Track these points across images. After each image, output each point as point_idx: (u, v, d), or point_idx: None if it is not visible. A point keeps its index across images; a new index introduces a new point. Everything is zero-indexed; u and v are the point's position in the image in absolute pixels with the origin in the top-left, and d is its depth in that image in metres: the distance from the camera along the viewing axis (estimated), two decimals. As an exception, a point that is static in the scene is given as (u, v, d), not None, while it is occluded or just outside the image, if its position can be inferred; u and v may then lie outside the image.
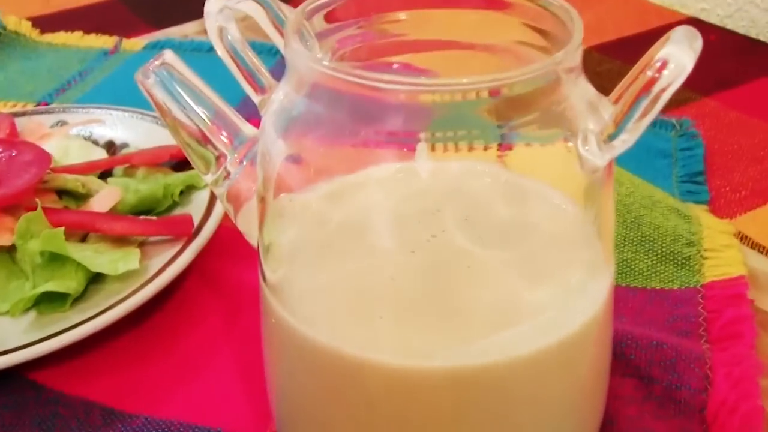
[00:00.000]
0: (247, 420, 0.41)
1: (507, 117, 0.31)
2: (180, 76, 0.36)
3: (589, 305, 0.32)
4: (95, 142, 0.57)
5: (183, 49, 0.74)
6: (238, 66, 0.35)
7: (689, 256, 0.49)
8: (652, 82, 0.28)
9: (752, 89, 0.72)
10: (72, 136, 0.57)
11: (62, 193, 0.51)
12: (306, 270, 0.34)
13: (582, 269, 0.33)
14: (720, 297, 0.46)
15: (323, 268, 0.34)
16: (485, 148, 0.34)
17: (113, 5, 0.88)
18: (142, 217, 0.50)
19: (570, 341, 0.32)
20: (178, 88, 0.35)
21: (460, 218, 0.35)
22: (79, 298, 0.45)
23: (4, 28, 0.79)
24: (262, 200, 0.34)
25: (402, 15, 0.37)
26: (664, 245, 0.50)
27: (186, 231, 0.47)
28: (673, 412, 0.40)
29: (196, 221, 0.48)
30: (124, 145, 0.57)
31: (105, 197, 0.50)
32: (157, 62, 0.36)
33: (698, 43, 0.28)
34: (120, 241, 0.48)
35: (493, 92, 0.29)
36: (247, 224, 0.37)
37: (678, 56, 0.28)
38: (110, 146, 0.57)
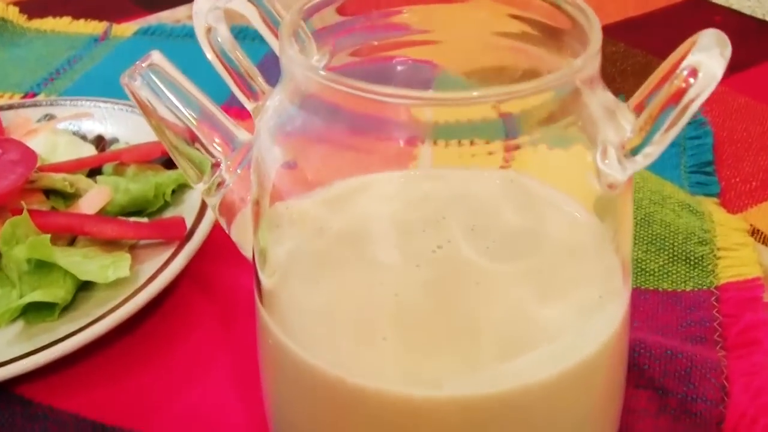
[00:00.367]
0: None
1: (519, 128, 0.29)
2: (169, 79, 0.33)
3: (607, 324, 0.31)
4: (84, 137, 0.55)
5: (175, 34, 0.72)
6: (228, 71, 0.32)
7: (702, 255, 0.47)
8: (681, 92, 0.26)
9: (760, 73, 0.70)
10: (60, 131, 0.55)
11: (49, 192, 0.49)
12: (304, 285, 0.32)
13: (599, 285, 0.31)
14: (736, 300, 0.44)
15: (322, 282, 0.32)
16: (492, 153, 0.32)
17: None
18: (132, 219, 0.48)
19: (587, 364, 0.30)
20: (167, 92, 0.33)
21: (466, 227, 0.34)
22: (68, 306, 0.44)
23: (-9, 15, 0.76)
24: (257, 209, 0.32)
25: (404, 11, 0.35)
26: (675, 244, 0.48)
27: (178, 234, 0.45)
28: (689, 425, 0.38)
29: (189, 223, 0.46)
30: (114, 140, 0.55)
31: (94, 198, 0.48)
32: (144, 64, 0.34)
33: (728, 50, 0.26)
34: (110, 244, 0.46)
35: (503, 103, 0.27)
36: (240, 235, 0.35)
37: (708, 65, 0.26)
38: (99, 141, 0.55)
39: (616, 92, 0.30)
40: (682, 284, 0.46)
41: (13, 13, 0.76)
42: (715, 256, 0.47)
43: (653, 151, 0.28)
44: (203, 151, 0.34)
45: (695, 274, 0.46)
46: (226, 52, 0.32)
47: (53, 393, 0.41)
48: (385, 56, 0.36)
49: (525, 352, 0.29)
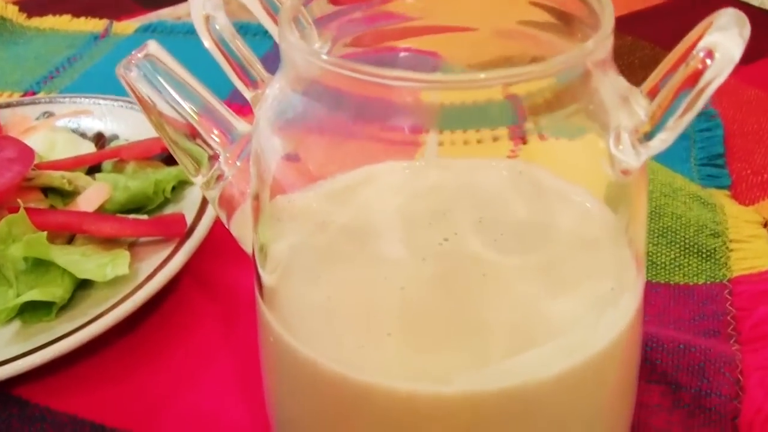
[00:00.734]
0: (246, 434, 0.38)
1: (527, 113, 0.28)
2: (166, 69, 0.32)
3: (619, 318, 0.29)
4: (83, 135, 0.54)
5: (176, 31, 0.71)
6: (227, 59, 0.31)
7: (714, 248, 0.46)
8: (697, 74, 0.25)
9: (770, 65, 0.69)
10: (58, 128, 0.54)
11: (48, 190, 0.48)
12: (306, 280, 0.31)
13: (612, 278, 0.30)
14: (750, 293, 0.43)
15: (324, 277, 0.31)
16: (499, 140, 0.31)
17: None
18: (131, 216, 0.46)
19: (600, 358, 0.29)
20: (164, 82, 0.32)
21: (473, 219, 0.33)
22: (66, 305, 0.43)
23: (-10, 13, 0.75)
24: (257, 203, 0.31)
25: (408, -3, 0.34)
26: (687, 237, 0.47)
27: (178, 231, 0.44)
28: (704, 421, 0.37)
29: (189, 220, 0.45)
30: (114, 137, 0.54)
31: (93, 195, 0.47)
32: (140, 54, 0.33)
33: (747, 30, 0.25)
34: (109, 242, 0.45)
35: (511, 87, 0.26)
36: (240, 229, 0.34)
37: (726, 45, 0.25)
38: (99, 138, 0.54)
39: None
40: (695, 277, 0.45)
41: (12, 12, 0.76)
42: (727, 248, 0.46)
43: (668, 136, 0.27)
44: (201, 143, 0.33)
45: (707, 267, 0.45)
46: (225, 40, 0.31)
47: (51, 394, 0.40)
48: (388, 47, 0.35)
49: (535, 346, 0.28)
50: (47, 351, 0.39)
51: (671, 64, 0.26)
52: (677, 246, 0.46)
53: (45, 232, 0.41)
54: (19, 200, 0.44)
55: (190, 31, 0.71)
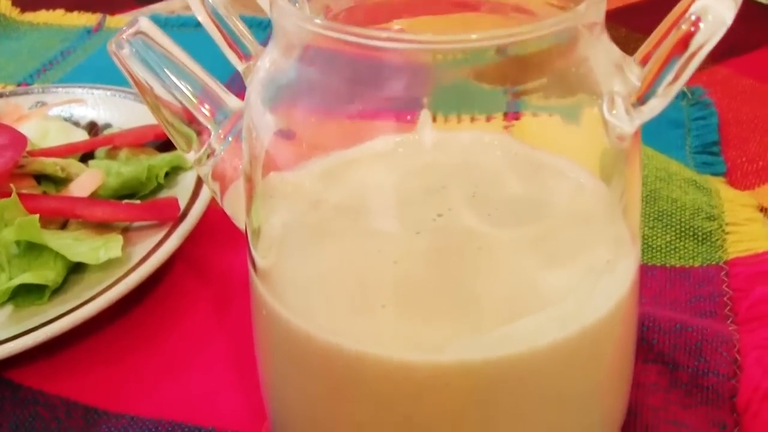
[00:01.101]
0: (240, 417, 0.38)
1: (520, 79, 0.27)
2: (157, 46, 0.32)
3: (614, 289, 0.29)
4: (76, 123, 0.54)
5: (170, 25, 0.71)
6: (219, 30, 0.31)
7: (710, 231, 0.46)
8: (688, 37, 0.25)
9: (765, 55, 0.69)
10: (51, 117, 0.53)
11: (41, 177, 0.48)
12: (299, 255, 0.31)
13: (606, 249, 0.30)
14: (746, 275, 0.43)
15: (318, 252, 0.31)
16: (492, 118, 0.31)
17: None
18: (125, 201, 0.46)
19: (596, 328, 0.28)
20: (156, 59, 0.32)
21: (467, 195, 0.32)
22: (59, 289, 0.42)
23: (-17, 8, 0.75)
24: (249, 180, 0.31)
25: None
26: (682, 220, 0.47)
27: (172, 215, 0.44)
28: (701, 400, 0.37)
29: (183, 204, 0.45)
30: (107, 126, 0.54)
31: (85, 181, 0.47)
32: (131, 30, 0.33)
33: (740, -7, 0.25)
34: (102, 227, 0.45)
35: (504, 49, 0.26)
36: (233, 206, 0.33)
37: (717, 8, 0.25)
38: (92, 127, 0.54)
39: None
40: (691, 260, 0.45)
41: (5, 6, 0.76)
42: (723, 231, 0.46)
43: (659, 102, 0.27)
44: (191, 120, 0.33)
45: (703, 249, 0.45)
46: (218, 13, 0.31)
47: (44, 377, 0.40)
48: (382, 27, 0.34)
49: (530, 315, 0.28)
50: (40, 333, 0.39)
51: (664, 31, 0.26)
52: (673, 229, 0.46)
53: (37, 215, 0.41)
54: (11, 185, 0.44)
55: (184, 24, 0.71)
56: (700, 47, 0.26)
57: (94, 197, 0.46)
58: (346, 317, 0.29)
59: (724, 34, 0.26)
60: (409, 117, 0.30)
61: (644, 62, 0.27)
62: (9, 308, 0.42)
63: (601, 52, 0.28)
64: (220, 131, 0.32)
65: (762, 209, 0.49)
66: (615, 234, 0.30)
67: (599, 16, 0.27)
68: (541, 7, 0.31)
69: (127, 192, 0.47)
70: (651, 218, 0.47)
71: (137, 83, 0.33)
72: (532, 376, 0.28)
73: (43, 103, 0.55)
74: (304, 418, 0.32)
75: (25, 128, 0.50)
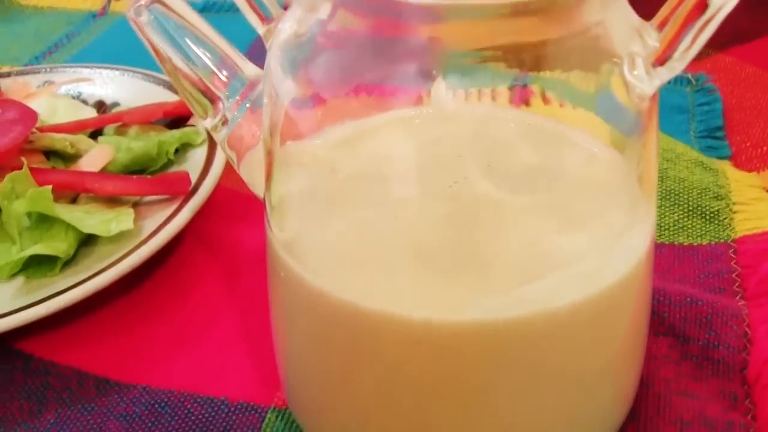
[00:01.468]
0: (252, 388, 0.38)
1: (538, 46, 0.28)
2: (174, 14, 0.33)
3: (631, 253, 0.29)
4: (84, 102, 0.54)
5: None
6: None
7: (718, 210, 0.46)
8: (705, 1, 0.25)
9: (767, 44, 0.69)
10: (59, 95, 0.53)
11: (50, 153, 0.48)
12: (319, 221, 0.31)
13: (623, 213, 0.30)
14: (754, 252, 0.43)
15: (337, 218, 0.31)
16: (506, 89, 0.31)
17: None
18: (135, 176, 0.46)
19: (613, 290, 0.29)
20: (174, 26, 0.32)
21: (482, 164, 0.32)
22: (70, 261, 0.42)
23: (-13, -9, 0.75)
24: (269, 146, 0.31)
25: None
26: (690, 199, 0.47)
27: (182, 189, 0.44)
28: (712, 372, 0.37)
29: (193, 180, 0.45)
30: (115, 105, 0.54)
31: (95, 157, 0.47)
32: (150, -1, 0.33)
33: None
34: (112, 201, 0.45)
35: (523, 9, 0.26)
36: (250, 173, 0.34)
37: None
38: (100, 106, 0.54)
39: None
40: (699, 238, 0.45)
41: (10, -10, 0.76)
42: (731, 210, 0.46)
43: (679, 64, 0.27)
44: (210, 85, 0.33)
45: (711, 228, 0.45)
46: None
47: (55, 348, 0.40)
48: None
49: (547, 276, 0.28)
50: (51, 303, 0.39)
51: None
52: (681, 208, 0.46)
53: (49, 187, 0.41)
54: (23, 158, 0.44)
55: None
56: (718, 10, 0.26)
57: (104, 172, 0.46)
58: (367, 279, 0.29)
59: (727, 22, 0.26)
60: (425, 82, 0.31)
61: (662, 27, 0.27)
62: (20, 279, 0.42)
63: (619, 15, 0.28)
64: (237, 98, 0.32)
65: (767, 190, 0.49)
66: (632, 198, 0.30)
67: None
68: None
69: (137, 168, 0.47)
70: (659, 197, 0.47)
71: (155, 50, 0.33)
72: (550, 337, 0.28)
73: (51, 82, 0.55)
74: (321, 381, 0.32)
75: (34, 105, 0.50)
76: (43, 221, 0.42)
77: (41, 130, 0.48)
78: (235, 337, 0.40)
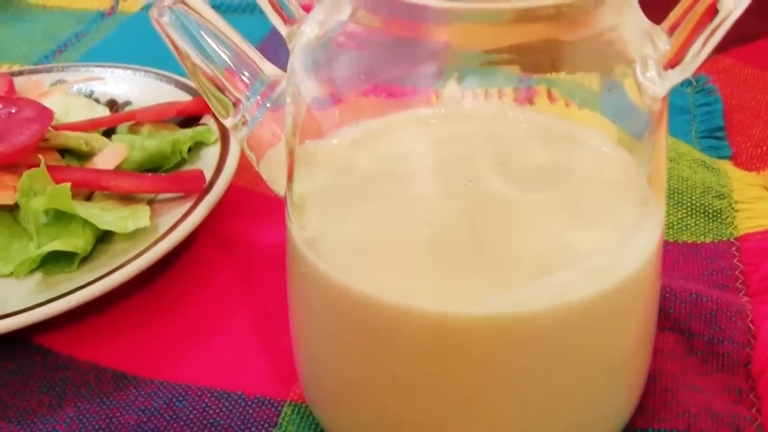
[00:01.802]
0: (268, 382, 0.39)
1: (552, 47, 0.29)
2: (196, 14, 0.33)
3: (642, 250, 0.30)
4: (96, 101, 0.55)
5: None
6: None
7: (720, 208, 0.47)
8: (714, 5, 0.26)
9: (765, 46, 0.70)
10: (72, 93, 0.54)
11: (64, 151, 0.49)
12: (340, 218, 0.32)
13: (633, 212, 0.31)
14: (756, 249, 0.44)
15: (357, 215, 0.32)
16: (518, 89, 0.32)
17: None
18: (150, 173, 0.47)
19: (625, 285, 0.30)
20: (195, 26, 0.33)
21: (495, 163, 0.33)
22: (86, 258, 0.43)
23: (-6, -10, 0.76)
24: (291, 145, 0.32)
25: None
26: (693, 198, 0.48)
27: (197, 187, 0.45)
28: (717, 366, 0.38)
29: (207, 178, 0.46)
30: (127, 104, 0.54)
31: (110, 155, 0.48)
32: (173, -1, 0.33)
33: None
34: (127, 199, 0.46)
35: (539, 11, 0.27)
36: (270, 171, 0.34)
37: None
38: (112, 105, 0.54)
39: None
40: (702, 236, 0.46)
41: (18, -12, 0.76)
42: (733, 209, 0.47)
43: (690, 66, 0.28)
44: (230, 85, 0.33)
45: (714, 226, 0.46)
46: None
47: (73, 343, 0.41)
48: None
49: (561, 271, 0.29)
50: (70, 298, 0.39)
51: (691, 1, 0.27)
52: (684, 207, 0.47)
53: (68, 184, 0.42)
54: (39, 156, 0.44)
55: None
56: (728, 14, 0.27)
57: (118, 170, 0.47)
58: (386, 274, 0.30)
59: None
60: (440, 87, 0.32)
61: (672, 31, 0.28)
62: (38, 275, 0.43)
63: (632, 19, 0.29)
64: (257, 98, 0.33)
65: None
66: (642, 196, 0.31)
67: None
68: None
69: (150, 166, 0.48)
70: (663, 196, 0.48)
71: (177, 50, 0.34)
72: (563, 331, 0.29)
73: (63, 81, 0.56)
74: (339, 375, 0.32)
75: (48, 104, 0.51)
76: (60, 218, 0.43)
77: (56, 128, 0.49)
78: (249, 332, 0.41)
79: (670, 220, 0.47)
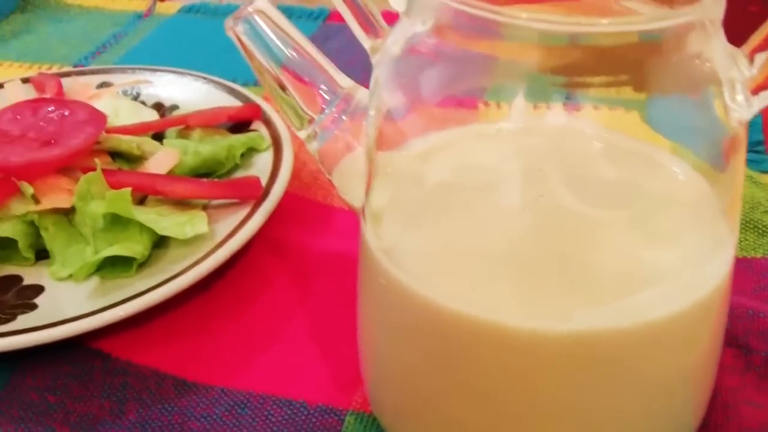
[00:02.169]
0: (329, 390, 0.39)
1: (635, 67, 0.29)
2: (273, 25, 0.34)
3: (718, 269, 0.31)
4: (143, 104, 0.55)
5: (219, 12, 0.72)
6: (348, 5, 0.32)
7: (769, 223, 0.48)
8: None
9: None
10: (120, 96, 0.54)
11: (114, 154, 0.49)
12: (420, 229, 0.32)
13: (710, 232, 0.31)
14: (808, 266, 0.44)
15: (438, 226, 0.32)
16: (596, 107, 0.32)
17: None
18: (205, 179, 0.47)
19: (702, 305, 0.30)
20: (272, 37, 0.33)
21: (565, 178, 0.33)
22: (143, 262, 0.43)
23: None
24: (372, 157, 0.32)
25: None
26: (743, 213, 0.48)
27: (254, 194, 0.45)
28: (775, 383, 0.38)
29: (262, 184, 0.46)
30: (174, 107, 0.54)
31: (162, 159, 0.48)
32: (249, 8, 0.34)
33: None
34: (181, 204, 0.46)
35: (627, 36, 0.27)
36: (343, 180, 0.34)
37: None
38: (158, 108, 0.54)
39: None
40: (752, 251, 0.46)
41: (55, -11, 0.76)
42: (782, 224, 0.48)
43: None
44: (304, 97, 0.34)
45: (764, 241, 0.47)
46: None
47: (131, 347, 0.41)
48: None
49: (645, 289, 0.29)
50: (133, 304, 0.39)
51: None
52: (734, 222, 0.48)
53: (129, 188, 0.42)
54: (96, 160, 0.44)
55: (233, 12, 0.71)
56: None
57: (172, 175, 0.47)
58: (468, 288, 0.30)
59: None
60: (515, 100, 0.32)
61: (753, 54, 0.28)
62: (95, 280, 0.43)
63: (719, 43, 0.29)
64: (333, 109, 0.33)
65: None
66: (719, 216, 0.32)
67: (721, 11, 0.28)
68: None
69: (203, 171, 0.48)
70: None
71: (252, 60, 0.34)
72: (644, 347, 0.29)
73: (109, 83, 0.56)
74: (411, 385, 0.33)
75: (97, 106, 0.51)
76: (116, 222, 0.43)
77: (107, 131, 0.49)
78: (308, 339, 0.41)
79: (721, 235, 0.47)
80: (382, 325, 0.33)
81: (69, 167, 0.46)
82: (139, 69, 0.57)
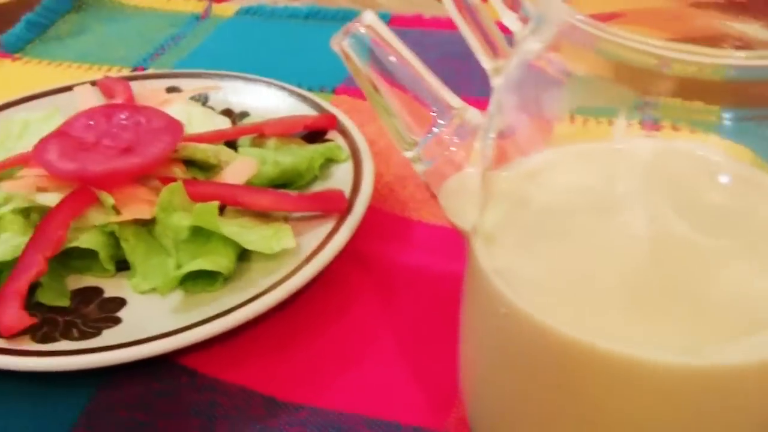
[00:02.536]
0: (422, 410, 0.38)
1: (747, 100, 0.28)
2: (382, 42, 0.33)
3: None
4: (211, 109, 0.54)
5: (276, 15, 0.71)
6: (472, 27, 0.31)
7: None
8: None
9: None
10: (191, 102, 0.53)
11: (188, 163, 0.48)
12: (536, 253, 0.31)
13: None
14: None
15: (551, 250, 0.31)
16: (708, 135, 0.31)
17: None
18: (287, 191, 0.46)
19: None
20: (381, 55, 0.33)
21: (675, 203, 0.33)
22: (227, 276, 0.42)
23: (89, -10, 0.75)
24: (488, 179, 0.31)
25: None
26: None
27: (339, 207, 0.44)
28: None
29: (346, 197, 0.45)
30: (244, 114, 0.54)
31: (239, 169, 0.47)
32: (358, 24, 0.33)
33: None
34: (262, 216, 0.45)
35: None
36: (449, 200, 0.34)
37: None
38: (228, 115, 0.54)
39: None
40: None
41: (111, -11, 0.75)
42: None
43: None
44: (416, 118, 0.33)
45: None
46: (470, 8, 0.31)
47: (218, 364, 0.40)
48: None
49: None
50: (223, 321, 0.39)
51: None
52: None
53: (216, 202, 0.41)
54: (176, 169, 0.44)
55: (291, 14, 0.70)
56: None
57: (250, 185, 0.46)
58: (590, 315, 0.29)
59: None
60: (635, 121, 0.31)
61: None
62: (179, 294, 0.42)
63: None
64: (443, 130, 0.33)
65: None
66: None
67: None
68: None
69: (282, 182, 0.47)
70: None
71: (359, 77, 0.33)
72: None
73: (177, 88, 0.55)
74: (517, 408, 0.32)
75: (170, 113, 0.50)
76: (199, 234, 0.42)
77: (183, 139, 0.48)
78: (396, 357, 0.41)
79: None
80: (492, 349, 0.32)
81: (147, 176, 0.45)
82: (206, 74, 0.56)
